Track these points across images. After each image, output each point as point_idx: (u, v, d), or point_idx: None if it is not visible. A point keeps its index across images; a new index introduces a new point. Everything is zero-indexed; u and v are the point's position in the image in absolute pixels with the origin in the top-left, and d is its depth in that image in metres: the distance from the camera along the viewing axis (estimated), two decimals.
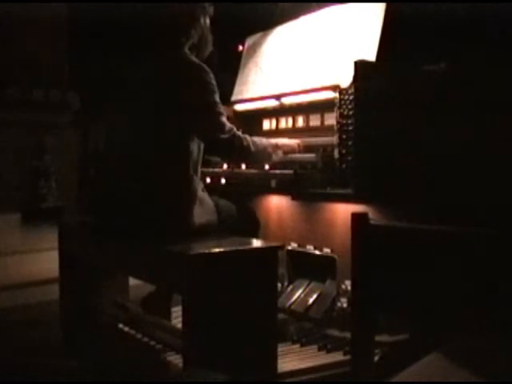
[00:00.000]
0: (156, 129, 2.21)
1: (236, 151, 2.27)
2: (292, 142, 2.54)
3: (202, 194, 2.30)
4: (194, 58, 2.28)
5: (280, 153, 2.49)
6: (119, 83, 2.45)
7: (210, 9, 2.42)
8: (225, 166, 2.70)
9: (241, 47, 3.18)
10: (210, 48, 2.43)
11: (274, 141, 2.49)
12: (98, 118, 5.78)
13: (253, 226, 2.54)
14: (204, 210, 2.26)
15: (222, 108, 2.25)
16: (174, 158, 2.20)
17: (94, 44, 6.42)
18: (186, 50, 2.31)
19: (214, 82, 2.23)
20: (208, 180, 2.69)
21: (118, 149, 2.39)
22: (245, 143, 2.28)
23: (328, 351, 2.25)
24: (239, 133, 2.30)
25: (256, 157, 2.37)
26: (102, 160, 2.53)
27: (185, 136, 2.21)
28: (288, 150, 2.50)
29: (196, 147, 2.24)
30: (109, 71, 2.47)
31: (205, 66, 2.24)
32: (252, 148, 2.32)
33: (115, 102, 2.49)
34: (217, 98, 2.23)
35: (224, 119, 2.24)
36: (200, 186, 2.30)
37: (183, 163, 2.20)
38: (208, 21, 2.41)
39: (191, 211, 2.20)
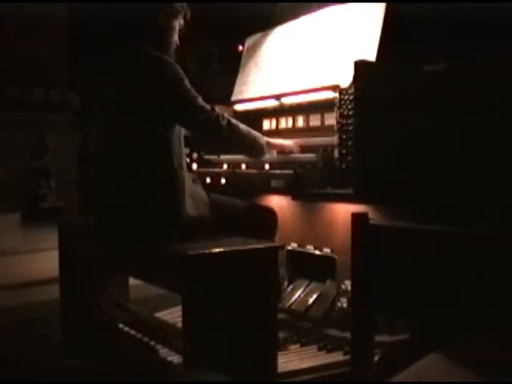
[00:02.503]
0: (132, 129, 2.19)
1: (223, 128, 2.23)
2: (287, 142, 2.51)
3: (192, 186, 2.28)
4: (154, 53, 2.22)
5: (274, 152, 2.48)
6: (99, 83, 2.45)
7: (178, 7, 2.33)
8: (225, 166, 2.70)
9: (241, 47, 3.18)
10: (174, 44, 2.35)
11: (265, 139, 2.47)
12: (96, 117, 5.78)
13: (270, 226, 2.38)
14: (195, 202, 2.24)
15: (195, 92, 2.22)
16: (155, 155, 2.18)
17: (94, 44, 6.43)
18: (149, 47, 2.25)
19: (178, 70, 2.19)
20: (208, 180, 2.68)
21: (104, 150, 2.40)
22: (233, 121, 2.27)
23: (328, 351, 2.25)
24: (224, 113, 2.29)
25: (247, 142, 2.33)
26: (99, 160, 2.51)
27: (163, 131, 2.18)
28: (285, 150, 2.48)
29: (176, 140, 2.22)
30: (96, 71, 2.46)
31: (165, 57, 2.21)
32: (241, 128, 2.30)
33: (97, 101, 2.48)
34: (187, 84, 2.20)
35: (201, 101, 2.22)
36: (190, 179, 2.28)
37: (166, 159, 2.17)
38: (179, 20, 2.35)
39: (182, 205, 2.17)
